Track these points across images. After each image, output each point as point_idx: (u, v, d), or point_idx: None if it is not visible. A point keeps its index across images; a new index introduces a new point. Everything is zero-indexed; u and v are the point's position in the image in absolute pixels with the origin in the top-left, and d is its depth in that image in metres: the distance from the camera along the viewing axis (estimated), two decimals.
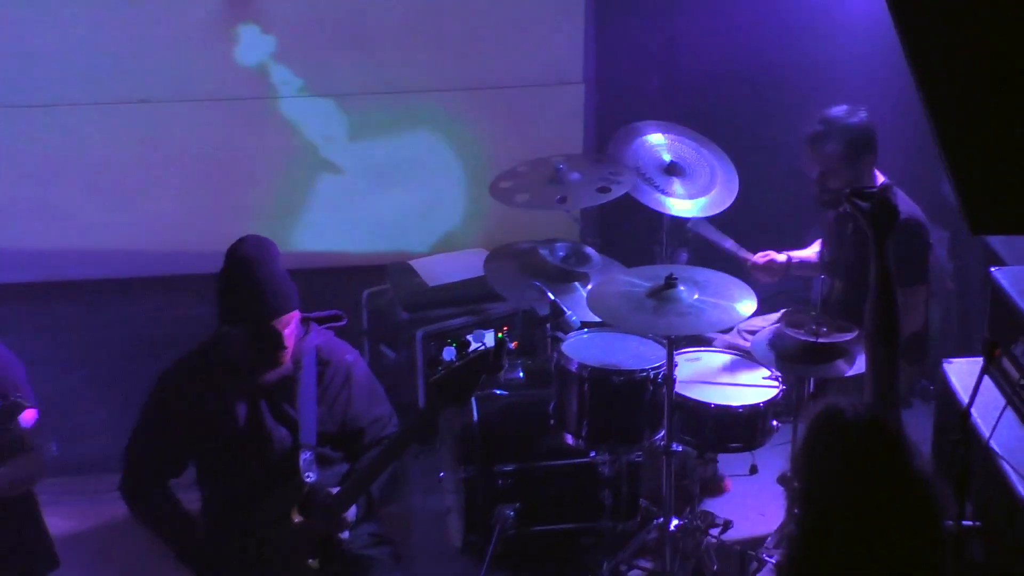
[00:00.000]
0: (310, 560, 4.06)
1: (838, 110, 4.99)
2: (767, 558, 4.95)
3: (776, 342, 4.89)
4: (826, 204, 5.11)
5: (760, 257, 5.34)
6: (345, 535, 4.11)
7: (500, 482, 5.16)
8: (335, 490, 4.08)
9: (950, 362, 4.96)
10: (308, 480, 4.07)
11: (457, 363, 4.06)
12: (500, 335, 4.41)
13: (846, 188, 4.91)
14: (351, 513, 4.10)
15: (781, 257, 5.36)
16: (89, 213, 6.33)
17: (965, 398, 4.56)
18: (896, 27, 2.18)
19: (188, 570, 4.27)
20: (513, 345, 5.47)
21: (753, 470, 5.60)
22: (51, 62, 6.06)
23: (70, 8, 5.97)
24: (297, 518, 4.06)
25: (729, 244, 5.39)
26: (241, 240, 4.05)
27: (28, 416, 4.06)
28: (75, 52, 6.05)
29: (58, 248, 6.35)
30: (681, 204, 5.44)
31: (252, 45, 6.18)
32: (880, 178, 5.01)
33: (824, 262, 5.20)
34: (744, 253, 5.40)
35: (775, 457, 5.39)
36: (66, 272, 6.37)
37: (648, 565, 5.17)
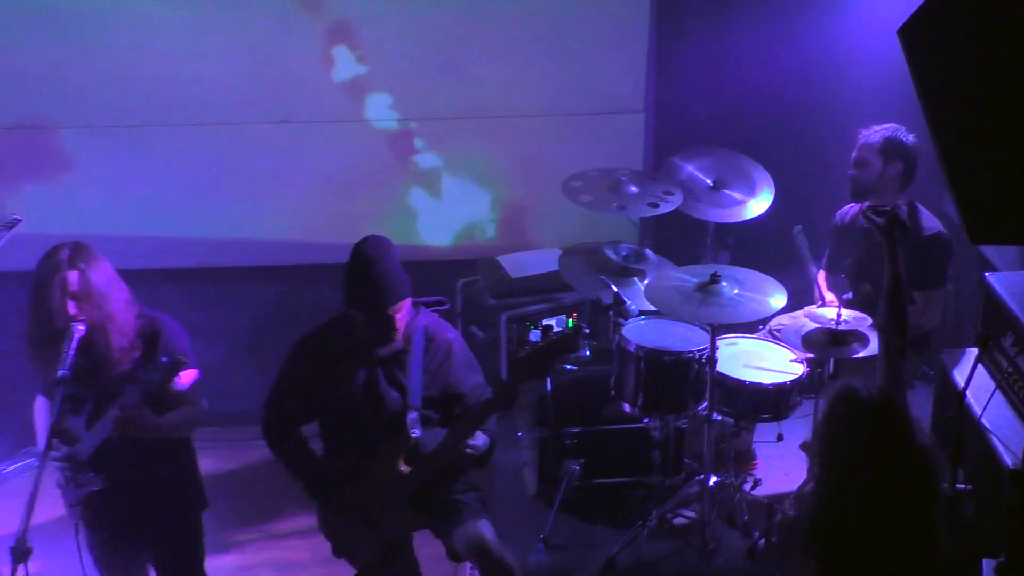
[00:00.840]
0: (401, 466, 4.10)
1: (899, 127, 4.97)
2: (789, 510, 4.97)
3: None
4: (852, 196, 5.08)
5: (831, 302, 5.20)
6: (479, 441, 4.10)
7: (568, 442, 5.21)
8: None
9: (948, 352, 4.95)
10: (413, 436, 4.08)
11: (541, 343, 4.09)
12: (573, 322, 4.40)
13: (869, 187, 4.93)
14: (480, 440, 4.11)
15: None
16: (236, 213, 6.42)
17: (961, 382, 4.54)
18: (908, 63, 2.19)
19: (313, 502, 4.32)
20: (588, 329, 5.50)
21: (779, 437, 5.58)
22: (209, 88, 6.15)
23: (224, 45, 6.07)
24: (403, 467, 4.08)
25: (813, 270, 5.28)
26: (364, 239, 4.06)
27: (189, 376, 4.08)
28: (230, 80, 6.15)
29: (211, 241, 6.45)
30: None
31: (370, 78, 6.23)
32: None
33: (856, 272, 5.16)
34: (820, 290, 5.29)
35: (798, 427, 5.38)
36: (216, 260, 6.48)
37: (690, 514, 5.16)
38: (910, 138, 4.94)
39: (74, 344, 3.88)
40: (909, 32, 2.20)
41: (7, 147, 6.29)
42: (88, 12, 5.99)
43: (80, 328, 3.91)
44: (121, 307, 4.03)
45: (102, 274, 3.99)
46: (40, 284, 3.95)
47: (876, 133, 4.96)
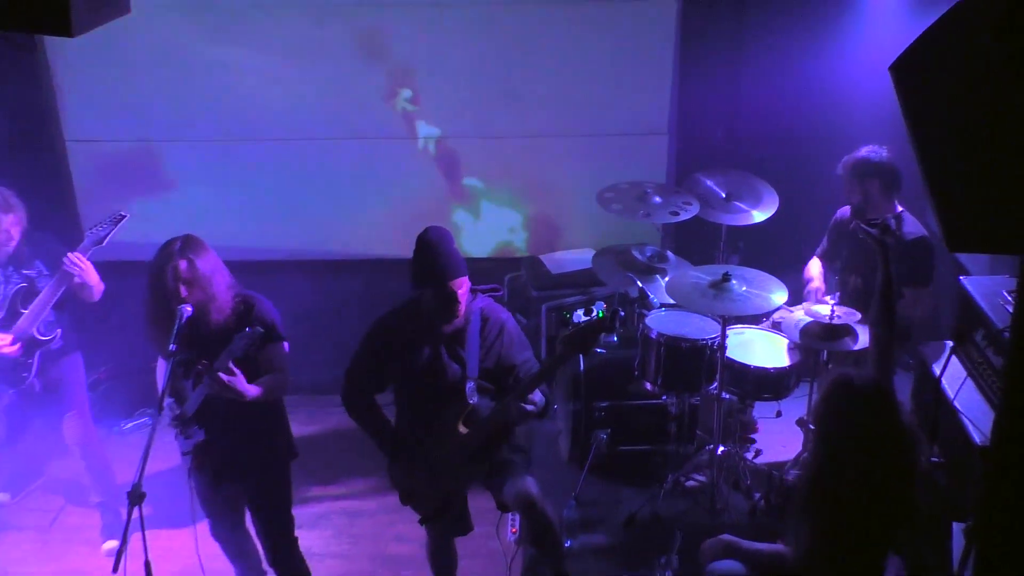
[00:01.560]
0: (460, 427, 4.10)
1: (872, 147, 4.85)
2: (786, 476, 4.98)
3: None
4: (853, 216, 4.97)
5: (816, 288, 5.18)
6: (537, 397, 4.01)
7: (597, 414, 5.25)
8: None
9: (927, 344, 4.94)
10: (471, 402, 4.09)
11: (583, 324, 4.09)
12: (604, 312, 4.44)
13: (862, 207, 4.86)
14: (538, 396, 4.03)
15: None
16: (317, 216, 6.49)
17: (938, 371, 4.54)
18: (897, 94, 2.20)
19: (384, 458, 4.33)
20: (623, 313, 5.50)
21: (778, 414, 5.59)
22: (295, 110, 6.24)
23: (308, 77, 6.16)
24: (462, 429, 4.09)
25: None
26: (426, 229, 4.07)
27: (285, 346, 4.15)
28: (312, 103, 6.22)
29: (296, 237, 6.52)
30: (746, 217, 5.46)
31: (433, 102, 6.28)
32: (898, 207, 4.89)
33: (846, 265, 5.12)
34: (807, 274, 5.29)
35: (795, 406, 5.38)
36: (299, 254, 6.54)
37: (700, 478, 5.19)
38: (881, 153, 4.80)
39: (180, 322, 3.93)
40: (900, 68, 2.20)
41: (126, 160, 6.40)
42: (192, 47, 6.10)
43: (186, 309, 3.97)
44: (222, 289, 4.07)
45: (207, 262, 4.04)
46: (156, 270, 4.02)
47: (847, 161, 4.87)
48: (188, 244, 4.05)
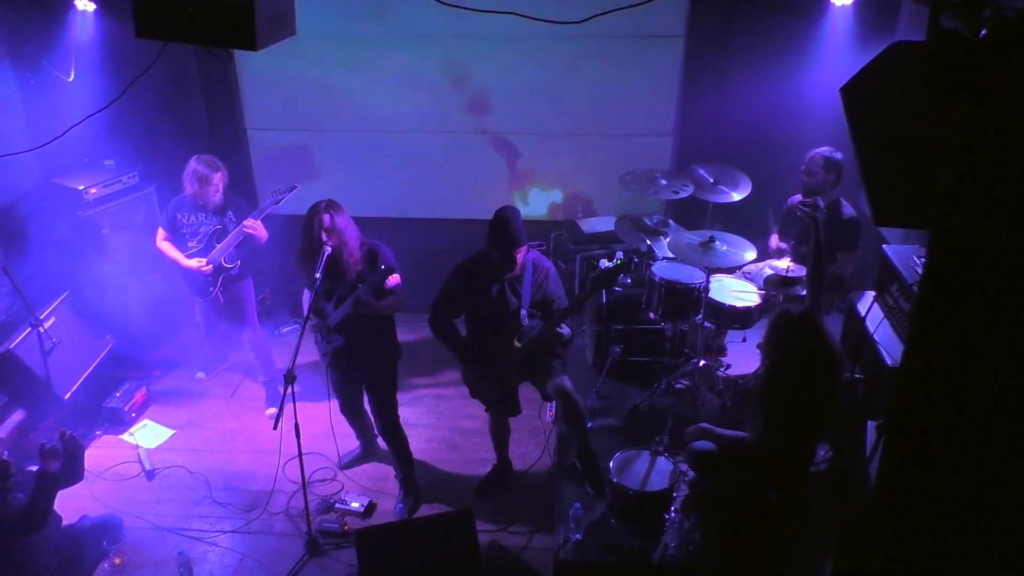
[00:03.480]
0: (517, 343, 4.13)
1: (832, 149, 4.74)
2: (748, 385, 4.97)
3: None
4: (804, 194, 4.83)
5: (776, 250, 5.09)
6: (565, 332, 4.06)
7: (614, 334, 5.23)
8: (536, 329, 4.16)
9: (856, 293, 4.87)
10: (524, 324, 4.13)
11: (608, 267, 4.10)
12: (622, 260, 4.43)
13: (815, 189, 4.74)
14: (566, 331, 4.07)
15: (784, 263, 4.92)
16: (418, 185, 6.47)
17: (862, 312, 4.49)
18: (845, 109, 2.17)
19: (459, 363, 4.37)
20: (636, 260, 5.50)
21: (744, 339, 5.56)
22: (407, 112, 6.20)
23: (416, 90, 6.11)
24: (516, 343, 4.14)
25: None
26: (503, 207, 4.06)
27: (395, 279, 4.19)
28: (418, 108, 6.18)
29: (402, 201, 6.53)
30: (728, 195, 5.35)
31: (501, 108, 6.21)
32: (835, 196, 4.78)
33: (797, 236, 5.02)
34: (771, 243, 5.17)
35: (757, 334, 5.33)
36: (408, 213, 6.55)
37: (685, 382, 5.16)
38: (839, 156, 4.73)
39: (323, 260, 4.02)
40: (847, 90, 2.16)
41: (287, 144, 6.45)
42: (335, 64, 6.09)
43: (327, 250, 4.05)
44: (352, 238, 4.14)
45: (343, 218, 4.11)
46: (307, 223, 4.10)
47: (819, 153, 4.76)
48: (330, 204, 4.11)
